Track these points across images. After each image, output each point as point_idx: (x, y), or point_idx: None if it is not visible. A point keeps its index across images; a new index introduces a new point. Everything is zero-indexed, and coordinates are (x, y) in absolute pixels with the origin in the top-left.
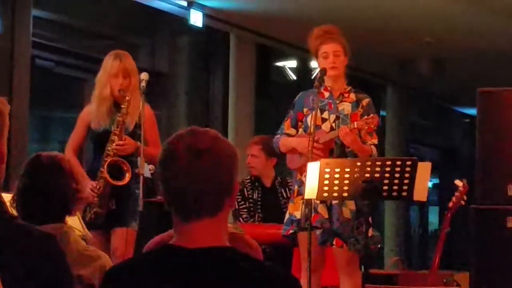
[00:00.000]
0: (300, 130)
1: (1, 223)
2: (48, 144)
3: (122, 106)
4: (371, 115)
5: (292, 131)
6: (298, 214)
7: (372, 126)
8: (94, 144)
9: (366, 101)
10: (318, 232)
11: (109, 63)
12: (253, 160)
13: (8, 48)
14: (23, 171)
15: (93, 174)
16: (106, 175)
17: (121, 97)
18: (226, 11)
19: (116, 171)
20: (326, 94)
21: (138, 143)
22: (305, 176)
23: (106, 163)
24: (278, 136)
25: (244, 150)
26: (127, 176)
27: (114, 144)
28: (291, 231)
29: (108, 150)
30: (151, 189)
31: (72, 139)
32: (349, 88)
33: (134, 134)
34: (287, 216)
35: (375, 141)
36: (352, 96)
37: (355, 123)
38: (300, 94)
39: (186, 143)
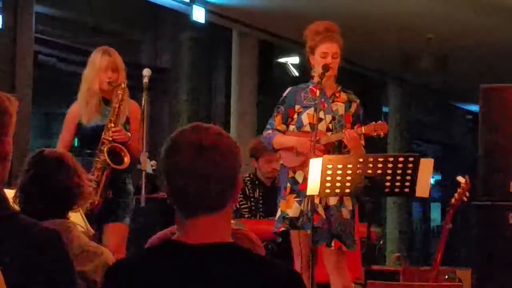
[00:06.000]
0: (292, 127)
1: (4, 218)
2: (50, 140)
3: (119, 92)
4: (379, 121)
5: (283, 127)
6: (290, 212)
7: (381, 133)
8: (83, 139)
9: (357, 102)
10: (309, 231)
11: (98, 58)
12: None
13: (10, 44)
14: (26, 166)
15: None
16: (108, 160)
17: (110, 90)
18: (229, 7)
19: (113, 158)
20: (317, 92)
21: (129, 134)
22: (299, 175)
23: (106, 149)
24: (270, 131)
25: (245, 146)
26: (126, 161)
27: (110, 131)
28: (282, 229)
29: (104, 139)
30: (154, 185)
31: (63, 139)
32: (339, 87)
33: (124, 130)
34: (278, 213)
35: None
36: (343, 96)
37: (363, 128)
38: (289, 89)
39: (189, 139)
